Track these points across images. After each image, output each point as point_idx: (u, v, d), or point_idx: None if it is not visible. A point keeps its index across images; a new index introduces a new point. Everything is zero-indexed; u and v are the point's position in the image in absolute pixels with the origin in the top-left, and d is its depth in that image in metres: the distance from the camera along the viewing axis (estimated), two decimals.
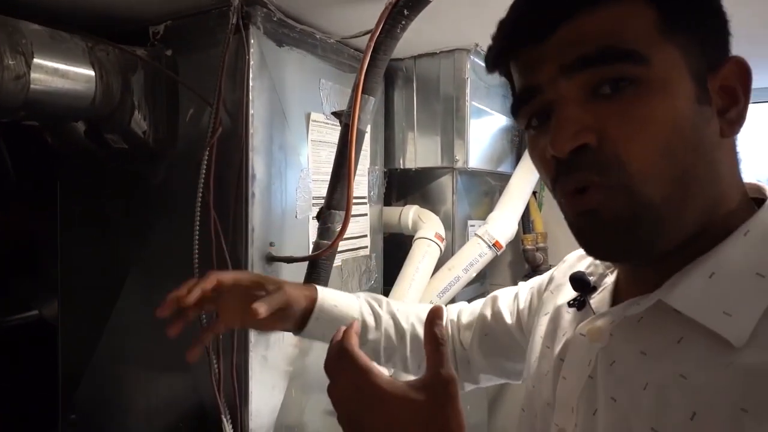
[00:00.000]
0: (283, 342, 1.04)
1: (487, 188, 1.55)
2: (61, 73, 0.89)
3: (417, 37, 1.02)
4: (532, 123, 0.47)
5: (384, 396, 0.45)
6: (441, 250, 1.34)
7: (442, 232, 1.35)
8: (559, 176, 0.44)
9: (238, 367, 0.95)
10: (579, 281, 0.55)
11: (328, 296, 0.77)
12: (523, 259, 1.69)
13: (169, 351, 1.05)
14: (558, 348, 0.55)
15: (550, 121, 0.44)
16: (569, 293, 0.57)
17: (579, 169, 0.42)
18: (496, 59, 0.49)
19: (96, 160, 1.14)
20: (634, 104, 0.40)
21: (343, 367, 0.49)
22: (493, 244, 1.36)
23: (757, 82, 0.42)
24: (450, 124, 1.34)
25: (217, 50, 0.96)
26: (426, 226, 1.35)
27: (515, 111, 0.48)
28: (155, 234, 1.08)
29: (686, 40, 0.41)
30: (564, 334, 0.55)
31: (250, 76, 0.96)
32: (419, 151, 1.39)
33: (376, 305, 0.80)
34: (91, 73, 0.93)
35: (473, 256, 1.35)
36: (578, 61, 0.41)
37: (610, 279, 0.53)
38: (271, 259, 1.00)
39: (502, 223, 1.39)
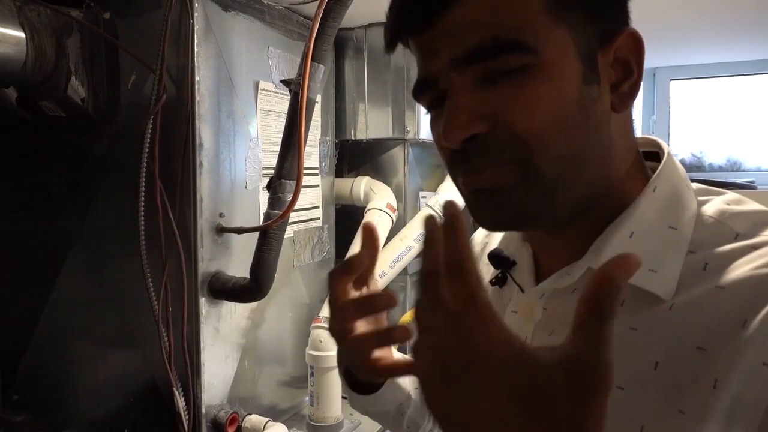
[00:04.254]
0: (236, 314, 1.04)
1: (438, 160, 1.56)
2: None
3: (367, 5, 1.01)
4: (433, 105, 0.47)
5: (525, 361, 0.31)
6: (393, 221, 1.35)
7: (394, 203, 1.36)
8: (454, 162, 0.45)
9: (190, 340, 0.94)
10: (497, 258, 0.54)
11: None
12: (473, 229, 1.73)
13: (117, 326, 1.03)
14: None
15: (443, 106, 0.44)
16: (487, 273, 0.56)
17: (477, 155, 0.42)
18: (391, 43, 0.48)
19: (32, 129, 1.09)
20: (522, 89, 0.41)
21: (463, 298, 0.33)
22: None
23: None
24: (401, 95, 1.34)
25: (159, 14, 0.92)
26: (378, 197, 1.36)
27: (416, 98, 0.48)
28: (99, 206, 1.04)
29: (576, 18, 0.41)
30: None
31: (195, 41, 0.93)
32: (370, 123, 1.39)
33: None
34: (21, 34, 0.87)
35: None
36: (466, 55, 0.41)
37: (525, 251, 0.53)
38: (220, 230, 0.99)
39: (452, 194, 1.41)
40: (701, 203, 0.45)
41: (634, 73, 0.44)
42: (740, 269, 0.39)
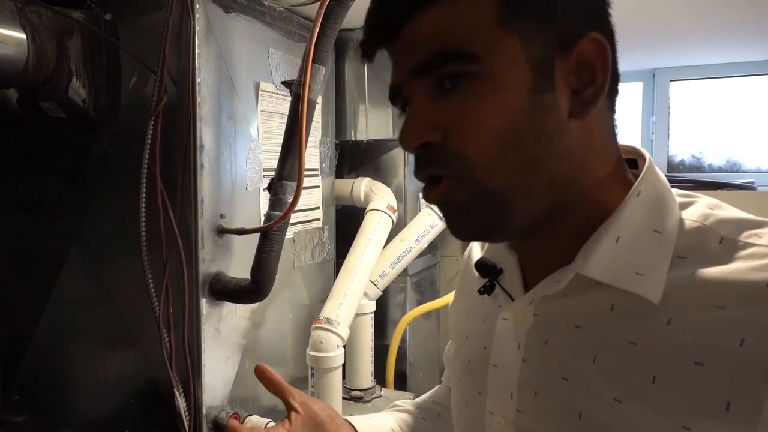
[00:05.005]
0: (236, 315, 1.04)
1: None
2: None
3: (367, 6, 1.01)
4: (403, 111, 0.49)
5: None
6: (393, 222, 1.35)
7: (394, 204, 1.37)
8: (416, 167, 0.47)
9: (190, 340, 0.95)
10: (483, 266, 0.55)
11: None
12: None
13: (117, 326, 1.03)
14: (479, 336, 0.55)
15: None
16: (477, 283, 0.56)
17: (427, 163, 0.45)
18: (365, 55, 0.51)
19: (33, 130, 1.09)
20: (468, 99, 0.42)
21: None
22: None
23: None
24: None
25: (160, 15, 0.92)
26: (378, 197, 1.36)
27: (392, 103, 0.51)
28: (99, 206, 1.04)
29: (530, 27, 0.42)
30: (484, 320, 0.55)
31: (196, 42, 0.93)
32: (371, 123, 1.39)
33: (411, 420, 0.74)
34: (23, 36, 0.87)
35: (425, 227, 1.37)
36: (419, 66, 0.44)
37: (512, 258, 0.54)
38: (221, 231, 0.99)
39: None
40: (682, 206, 0.45)
41: (598, 78, 0.43)
42: (733, 282, 0.39)
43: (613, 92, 0.46)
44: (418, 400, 0.78)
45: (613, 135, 0.47)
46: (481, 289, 0.54)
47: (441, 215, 0.50)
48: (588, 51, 0.43)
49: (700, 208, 0.45)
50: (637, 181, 0.46)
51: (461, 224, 0.47)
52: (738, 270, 0.39)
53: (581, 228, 0.45)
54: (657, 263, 0.42)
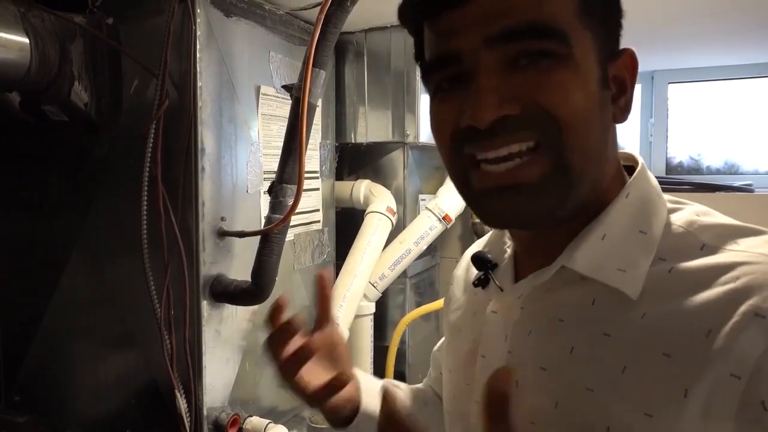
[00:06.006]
0: (237, 316, 1.05)
1: (438, 163, 1.58)
2: None
3: (367, 10, 1.02)
4: (443, 87, 0.46)
5: None
6: (392, 224, 1.36)
7: (394, 206, 1.37)
8: (466, 146, 0.44)
9: (191, 342, 0.95)
10: (480, 260, 0.56)
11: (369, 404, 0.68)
12: (472, 233, 1.74)
13: (118, 327, 1.04)
14: (470, 329, 0.56)
15: (461, 87, 0.44)
16: (472, 277, 0.58)
17: (511, 133, 0.42)
18: (410, 15, 0.48)
19: (34, 132, 1.10)
20: (553, 77, 0.42)
21: None
22: (443, 218, 1.39)
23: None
24: (401, 99, 1.36)
25: (161, 19, 0.93)
26: (377, 200, 1.37)
27: (426, 77, 0.47)
28: (100, 209, 1.05)
29: (597, 27, 0.44)
30: (474, 313, 0.57)
31: (197, 47, 0.94)
32: (370, 126, 1.40)
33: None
34: (26, 40, 0.88)
35: (424, 229, 1.38)
36: (503, 34, 0.41)
37: (508, 254, 0.55)
38: (222, 234, 1.00)
39: (451, 197, 1.42)
40: (671, 211, 0.47)
41: (627, 91, 0.46)
42: (705, 283, 0.40)
43: None
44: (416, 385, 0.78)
45: (617, 146, 0.50)
46: (476, 282, 0.56)
47: (488, 200, 0.45)
48: (626, 64, 0.46)
49: (687, 214, 0.46)
50: (628, 183, 0.47)
51: (522, 207, 0.44)
52: (709, 268, 0.41)
53: (575, 227, 0.47)
54: (639, 261, 0.44)
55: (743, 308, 0.38)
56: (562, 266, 0.46)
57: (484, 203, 0.46)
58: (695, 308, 0.40)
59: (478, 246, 0.65)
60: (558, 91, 0.42)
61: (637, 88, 1.87)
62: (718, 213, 0.47)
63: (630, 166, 0.51)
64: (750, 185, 1.61)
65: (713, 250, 0.42)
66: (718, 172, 1.84)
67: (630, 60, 0.46)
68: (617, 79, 0.46)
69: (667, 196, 0.49)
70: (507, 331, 0.50)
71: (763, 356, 0.36)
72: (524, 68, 0.42)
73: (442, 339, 0.72)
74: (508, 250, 0.55)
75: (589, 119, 0.43)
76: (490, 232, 0.62)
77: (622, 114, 0.46)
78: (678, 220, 0.46)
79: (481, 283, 0.55)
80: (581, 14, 0.43)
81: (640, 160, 0.51)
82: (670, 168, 1.87)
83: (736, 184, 1.61)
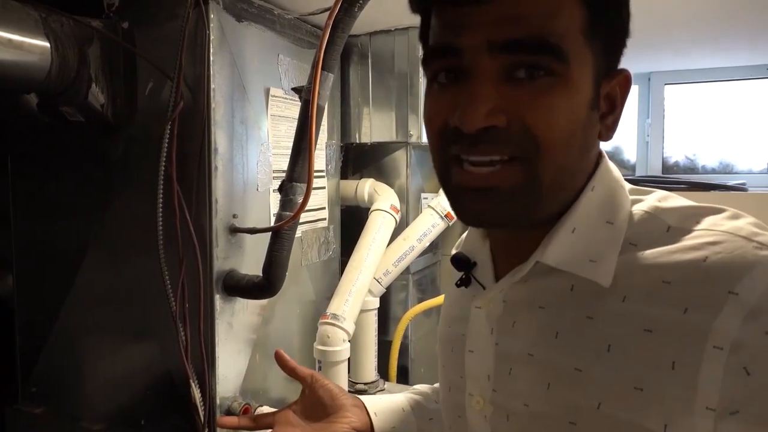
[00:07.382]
0: (248, 310, 1.08)
1: None
2: (15, 44, 0.87)
3: (372, 14, 1.05)
4: (439, 78, 0.47)
5: None
6: (396, 222, 1.40)
7: (397, 204, 1.41)
8: (452, 145, 0.46)
9: (205, 334, 0.99)
10: (459, 261, 0.58)
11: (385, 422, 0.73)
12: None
13: (134, 321, 1.07)
14: (459, 324, 0.59)
15: (459, 83, 0.45)
16: (456, 277, 0.59)
17: (493, 144, 0.44)
18: (418, 3, 0.49)
19: (51, 133, 1.13)
20: (545, 94, 0.43)
21: None
22: (445, 215, 1.43)
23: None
24: (404, 100, 1.39)
25: (175, 24, 0.97)
26: (381, 198, 1.40)
27: (426, 61, 0.48)
28: (115, 208, 1.08)
29: (599, 46, 0.45)
30: (461, 309, 0.59)
31: (211, 50, 0.97)
32: (374, 126, 1.44)
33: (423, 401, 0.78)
34: (46, 44, 0.92)
35: (426, 226, 1.42)
36: (507, 43, 0.42)
37: (485, 251, 0.57)
38: (234, 231, 1.03)
39: None
40: (634, 201, 0.50)
41: (617, 110, 0.49)
42: (675, 265, 0.43)
43: None
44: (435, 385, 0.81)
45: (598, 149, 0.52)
46: (458, 282, 0.59)
47: (464, 198, 0.47)
48: (620, 84, 0.48)
49: (650, 201, 0.49)
50: (593, 177, 0.50)
51: (493, 209, 0.46)
52: (679, 249, 0.44)
53: (550, 227, 0.50)
54: (608, 251, 0.47)
55: (716, 288, 0.41)
56: (536, 261, 0.49)
57: (460, 200, 0.49)
58: (669, 288, 0.43)
59: (456, 247, 0.68)
60: (545, 114, 0.43)
61: (634, 89, 1.91)
62: (679, 196, 0.50)
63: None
64: (744, 184, 1.65)
65: (679, 232, 0.45)
66: (713, 171, 1.88)
67: (624, 81, 0.48)
68: (609, 97, 0.48)
69: (628, 186, 0.52)
70: (492, 325, 0.53)
71: (741, 329, 0.39)
72: (520, 81, 0.43)
73: None
74: (486, 249, 0.57)
75: (571, 142, 0.45)
76: (467, 231, 0.63)
77: (608, 132, 0.49)
78: (641, 206, 0.49)
79: (463, 282, 0.58)
80: (586, 32, 0.44)
81: (603, 152, 0.53)
82: (666, 167, 1.91)
83: (731, 183, 1.65)
